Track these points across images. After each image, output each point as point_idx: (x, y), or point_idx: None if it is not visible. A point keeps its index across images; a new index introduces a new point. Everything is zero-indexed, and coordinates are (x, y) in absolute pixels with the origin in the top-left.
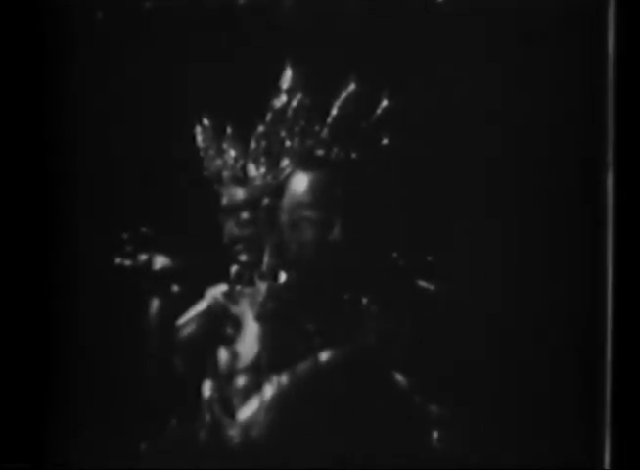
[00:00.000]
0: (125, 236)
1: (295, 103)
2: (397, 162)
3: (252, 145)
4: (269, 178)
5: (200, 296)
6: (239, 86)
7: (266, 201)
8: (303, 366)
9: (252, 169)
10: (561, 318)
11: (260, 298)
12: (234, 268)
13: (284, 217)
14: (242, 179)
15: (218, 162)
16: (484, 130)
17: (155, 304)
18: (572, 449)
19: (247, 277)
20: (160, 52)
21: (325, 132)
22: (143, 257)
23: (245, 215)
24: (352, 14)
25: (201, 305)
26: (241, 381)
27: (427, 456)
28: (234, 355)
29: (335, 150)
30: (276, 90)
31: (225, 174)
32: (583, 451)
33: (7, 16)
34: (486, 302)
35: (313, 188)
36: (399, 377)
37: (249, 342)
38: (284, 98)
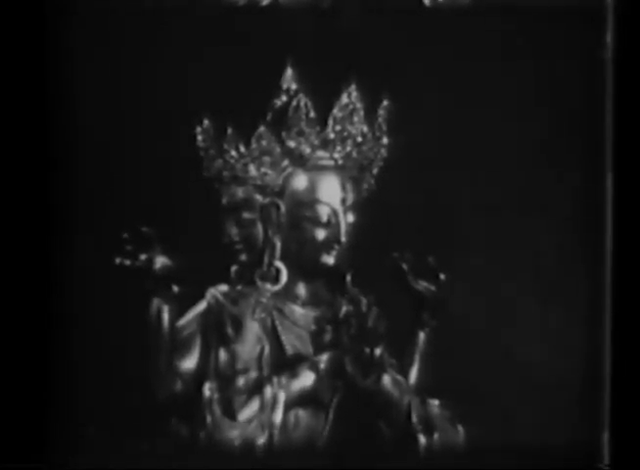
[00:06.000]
0: (125, 235)
1: (295, 103)
2: (399, 162)
3: (253, 145)
4: (270, 178)
5: (200, 296)
6: (239, 86)
7: (267, 200)
8: (304, 367)
9: (253, 169)
10: (561, 318)
11: (261, 298)
12: (234, 268)
13: (285, 217)
14: (242, 179)
15: (219, 161)
16: (483, 130)
17: (155, 303)
18: (572, 449)
19: (247, 277)
20: (161, 52)
21: (326, 133)
22: (143, 256)
23: (245, 215)
24: (353, 13)
25: (201, 305)
26: (241, 381)
27: (426, 456)
28: (234, 356)
29: (336, 150)
30: (277, 90)
31: (225, 174)
32: (583, 451)
33: (7, 14)
34: (484, 301)
35: (314, 188)
36: (399, 378)
37: (249, 342)
38: (284, 98)
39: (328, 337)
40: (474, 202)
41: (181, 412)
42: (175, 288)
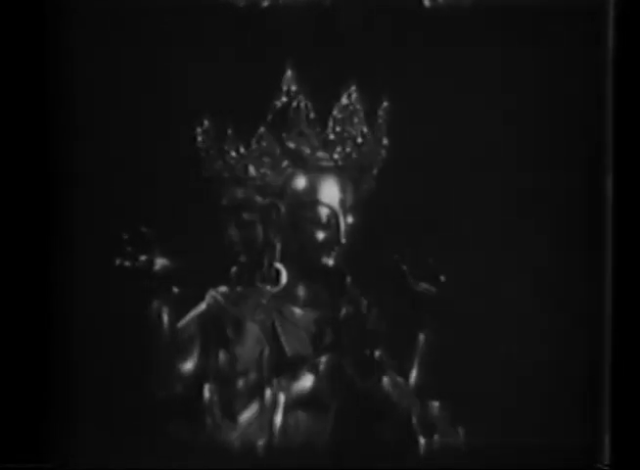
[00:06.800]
0: (125, 237)
1: (295, 104)
2: (398, 163)
3: (253, 146)
4: (270, 179)
5: (200, 297)
6: (240, 87)
7: (267, 201)
8: (303, 368)
9: (253, 170)
10: (561, 318)
11: (261, 299)
12: (234, 269)
13: (285, 218)
14: (242, 180)
15: (219, 162)
16: (484, 131)
17: (155, 305)
18: (573, 449)
19: (247, 278)
20: (161, 52)
21: (326, 134)
22: (143, 257)
23: (245, 216)
24: (353, 15)
25: (200, 307)
26: (241, 383)
27: (426, 456)
28: (234, 357)
29: (335, 151)
30: (277, 91)
31: (225, 175)
32: (583, 451)
33: (8, 14)
34: (486, 303)
35: (314, 189)
36: (399, 379)
37: (249, 344)
38: (284, 99)
39: (328, 338)
40: (473, 203)
41: (181, 413)
42: (175, 289)
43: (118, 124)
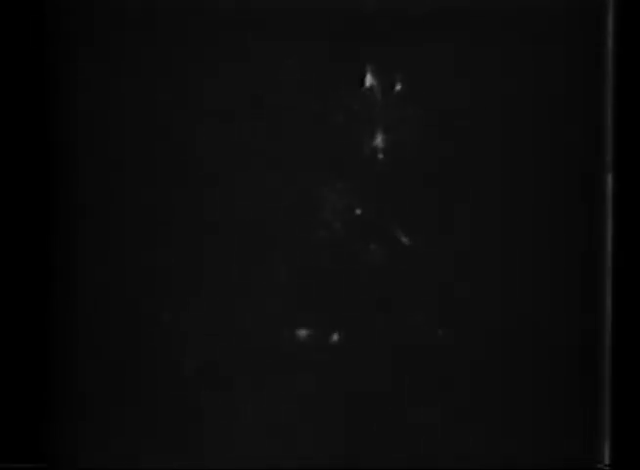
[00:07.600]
0: (125, 236)
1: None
2: (396, 160)
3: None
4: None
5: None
6: (240, 87)
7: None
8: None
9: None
10: (560, 317)
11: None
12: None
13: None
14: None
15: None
16: (483, 130)
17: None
18: (573, 449)
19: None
20: (161, 52)
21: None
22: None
23: None
24: (353, 14)
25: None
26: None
27: (426, 457)
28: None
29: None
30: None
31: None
32: (583, 451)
33: (8, 14)
34: (484, 301)
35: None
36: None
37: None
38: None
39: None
40: (473, 203)
41: (181, 413)
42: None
43: (118, 124)
